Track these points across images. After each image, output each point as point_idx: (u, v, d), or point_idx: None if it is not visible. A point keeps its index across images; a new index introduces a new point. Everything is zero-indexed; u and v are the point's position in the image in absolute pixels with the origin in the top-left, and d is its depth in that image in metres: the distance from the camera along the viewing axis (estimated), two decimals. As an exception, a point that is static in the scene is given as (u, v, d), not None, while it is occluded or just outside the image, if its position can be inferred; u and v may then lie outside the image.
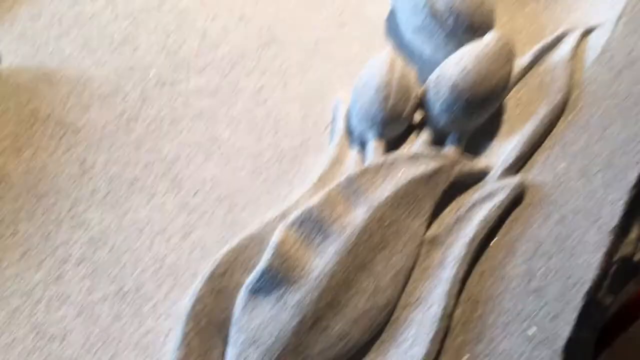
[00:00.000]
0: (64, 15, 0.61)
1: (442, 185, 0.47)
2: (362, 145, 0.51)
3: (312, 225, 0.44)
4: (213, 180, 0.51)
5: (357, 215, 0.44)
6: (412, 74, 0.52)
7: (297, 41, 0.60)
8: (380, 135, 0.50)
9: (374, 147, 0.49)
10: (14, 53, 0.58)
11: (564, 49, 0.55)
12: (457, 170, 0.48)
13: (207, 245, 0.48)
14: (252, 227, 0.45)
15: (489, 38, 0.51)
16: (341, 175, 0.49)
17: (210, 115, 0.55)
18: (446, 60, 0.52)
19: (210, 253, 0.47)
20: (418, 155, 0.47)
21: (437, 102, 0.50)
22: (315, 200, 0.44)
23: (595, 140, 0.50)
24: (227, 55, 0.59)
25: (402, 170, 0.46)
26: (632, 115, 0.51)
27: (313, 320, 0.40)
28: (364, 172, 0.46)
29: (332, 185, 0.46)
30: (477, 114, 0.50)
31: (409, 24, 0.58)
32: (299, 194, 0.48)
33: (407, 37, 0.59)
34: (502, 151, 0.50)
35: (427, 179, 0.46)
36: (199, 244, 0.48)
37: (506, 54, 0.51)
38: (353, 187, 0.46)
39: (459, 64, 0.50)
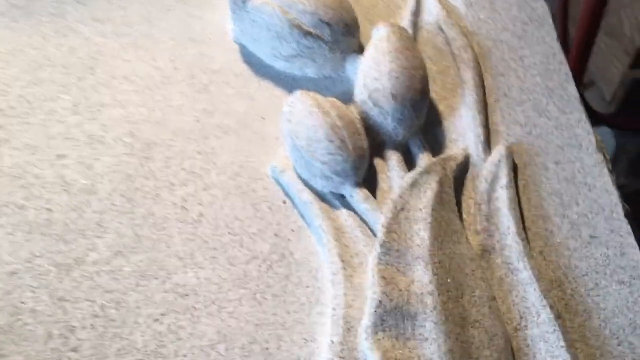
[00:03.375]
0: None
1: (451, 193, 0.44)
2: (341, 199, 0.45)
3: (393, 316, 0.37)
4: (222, 335, 0.41)
5: (421, 277, 0.39)
6: (339, 103, 0.46)
7: (171, 134, 0.50)
8: (358, 182, 0.44)
9: (361, 197, 0.44)
10: None
11: (433, 8, 0.55)
12: (449, 171, 0.45)
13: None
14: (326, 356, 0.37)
15: (384, 32, 0.48)
16: (355, 244, 0.42)
17: (161, 256, 0.43)
18: (361, 76, 0.47)
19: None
20: (416, 181, 0.43)
21: (386, 119, 0.46)
22: (375, 290, 0.38)
23: (523, 74, 0.51)
24: (114, 190, 0.47)
25: (416, 204, 0.42)
26: (533, 38, 0.52)
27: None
28: (388, 230, 0.41)
29: (370, 263, 0.40)
30: (424, 108, 0.47)
31: (277, 56, 0.52)
32: (336, 290, 0.40)
33: (280, 67, 0.53)
34: (461, 130, 0.48)
35: (439, 196, 0.43)
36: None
37: (408, 37, 0.48)
38: (392, 252, 0.40)
39: (382, 72, 0.46)
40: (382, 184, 0.45)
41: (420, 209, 0.41)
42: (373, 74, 0.46)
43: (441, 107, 0.50)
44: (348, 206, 0.44)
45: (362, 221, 0.44)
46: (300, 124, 0.45)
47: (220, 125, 0.50)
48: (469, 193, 0.45)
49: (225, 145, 0.49)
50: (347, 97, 0.50)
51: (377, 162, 0.46)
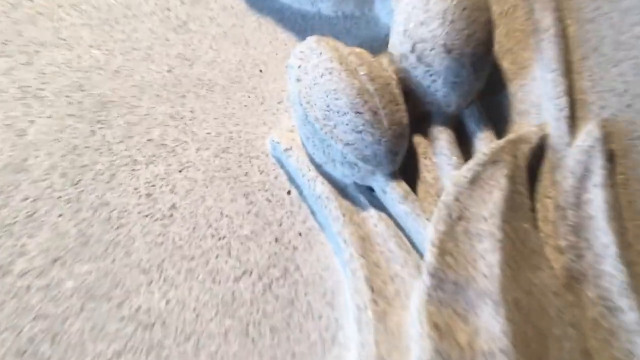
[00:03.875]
0: None
1: (525, 192, 0.31)
2: (369, 194, 0.32)
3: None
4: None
5: (490, 325, 0.27)
6: (369, 57, 0.33)
7: (134, 89, 0.36)
8: (394, 171, 0.32)
9: (398, 194, 0.31)
10: None
11: None
12: (522, 160, 0.32)
13: None
14: None
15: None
16: (389, 263, 0.30)
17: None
18: (401, 18, 0.33)
19: None
20: (477, 175, 0.30)
21: (436, 81, 0.32)
22: (424, 347, 0.26)
23: (620, 21, 0.37)
24: (53, 168, 0.34)
25: (480, 211, 0.29)
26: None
27: None
28: (440, 251, 0.28)
29: (416, 301, 0.27)
30: (487, 67, 0.34)
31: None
32: (363, 335, 0.28)
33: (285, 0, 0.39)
34: (534, 99, 0.35)
35: (511, 199, 0.30)
36: None
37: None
38: (448, 285, 0.28)
39: (432, 13, 0.32)
40: (426, 173, 0.33)
41: (486, 219, 0.29)
42: (419, 16, 0.32)
43: (506, 64, 0.36)
44: (378, 204, 0.32)
45: (397, 228, 0.31)
46: (315, 87, 0.31)
47: (202, 78, 0.37)
48: (545, 190, 0.32)
49: (210, 108, 0.36)
50: (376, 46, 0.36)
51: (419, 141, 0.33)
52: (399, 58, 0.33)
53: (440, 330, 0.26)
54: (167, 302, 0.31)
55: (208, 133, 0.35)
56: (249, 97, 0.36)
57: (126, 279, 0.31)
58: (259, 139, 0.35)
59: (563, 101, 0.33)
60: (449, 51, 0.32)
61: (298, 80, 0.32)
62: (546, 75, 0.34)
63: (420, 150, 0.33)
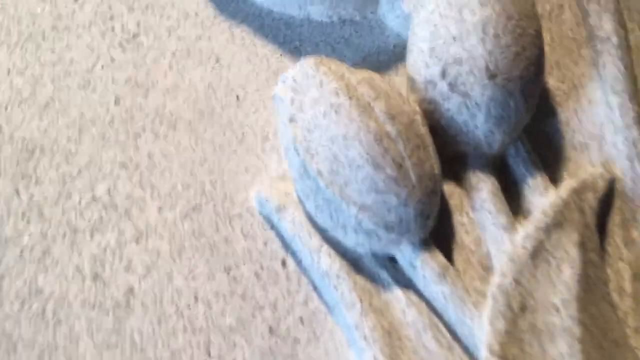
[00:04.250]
0: None
1: (599, 262, 0.24)
2: (391, 266, 0.25)
3: None
4: None
5: None
6: (383, 86, 0.25)
7: (71, 128, 0.28)
8: (424, 239, 0.24)
9: (432, 271, 0.23)
10: None
11: None
12: (590, 216, 0.24)
13: None
14: None
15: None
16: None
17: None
18: (424, 32, 0.25)
19: None
20: (541, 245, 0.23)
21: (475, 116, 0.25)
22: None
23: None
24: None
25: (547, 297, 0.22)
26: None
27: None
28: (503, 357, 0.21)
29: None
30: (538, 92, 0.26)
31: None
32: None
33: (264, 1, 0.30)
34: (593, 129, 0.28)
35: (585, 275, 0.23)
36: None
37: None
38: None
39: (468, 25, 0.24)
40: (464, 235, 0.25)
41: (557, 309, 0.21)
42: (450, 28, 0.24)
43: (552, 82, 0.29)
44: (404, 279, 0.24)
45: (431, 313, 0.23)
46: (315, 130, 0.23)
47: (161, 111, 0.28)
48: (618, 252, 0.25)
49: (173, 151, 0.27)
50: (383, 60, 0.29)
51: (451, 190, 0.26)
52: (423, 85, 0.25)
53: None
54: None
55: (172, 186, 0.27)
56: (225, 134, 0.28)
57: (69, 399, 0.23)
58: (240, 191, 0.27)
59: (635, 133, 0.26)
60: (492, 76, 0.24)
61: (291, 120, 0.24)
62: (610, 99, 0.27)
63: (453, 202, 0.25)
